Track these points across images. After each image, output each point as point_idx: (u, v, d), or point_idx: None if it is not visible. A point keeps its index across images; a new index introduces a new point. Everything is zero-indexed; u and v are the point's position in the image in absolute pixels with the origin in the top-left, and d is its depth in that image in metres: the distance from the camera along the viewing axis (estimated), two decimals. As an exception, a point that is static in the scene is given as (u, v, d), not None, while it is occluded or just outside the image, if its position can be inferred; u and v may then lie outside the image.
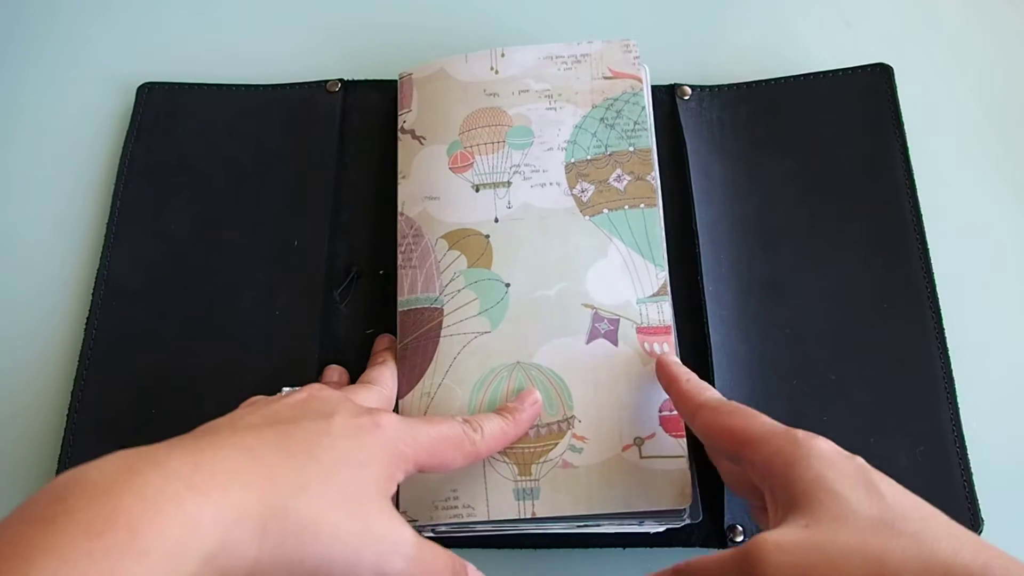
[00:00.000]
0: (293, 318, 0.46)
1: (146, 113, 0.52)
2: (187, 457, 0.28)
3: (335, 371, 0.45)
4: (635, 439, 0.40)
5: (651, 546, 0.42)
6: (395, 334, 0.45)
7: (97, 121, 0.54)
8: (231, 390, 0.44)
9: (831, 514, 0.29)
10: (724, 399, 0.37)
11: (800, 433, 0.33)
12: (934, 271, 0.46)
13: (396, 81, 0.51)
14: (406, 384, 0.43)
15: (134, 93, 0.53)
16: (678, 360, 0.41)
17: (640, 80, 0.48)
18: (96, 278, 0.48)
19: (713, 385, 0.43)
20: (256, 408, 0.34)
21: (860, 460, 0.31)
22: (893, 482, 0.30)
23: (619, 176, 0.45)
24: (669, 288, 0.44)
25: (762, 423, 0.34)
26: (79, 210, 0.51)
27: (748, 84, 0.52)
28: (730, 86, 0.52)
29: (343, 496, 0.30)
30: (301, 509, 0.29)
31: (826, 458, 0.31)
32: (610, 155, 0.46)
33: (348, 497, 0.30)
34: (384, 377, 0.42)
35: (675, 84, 0.52)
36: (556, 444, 0.41)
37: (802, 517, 0.29)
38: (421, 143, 0.48)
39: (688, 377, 0.39)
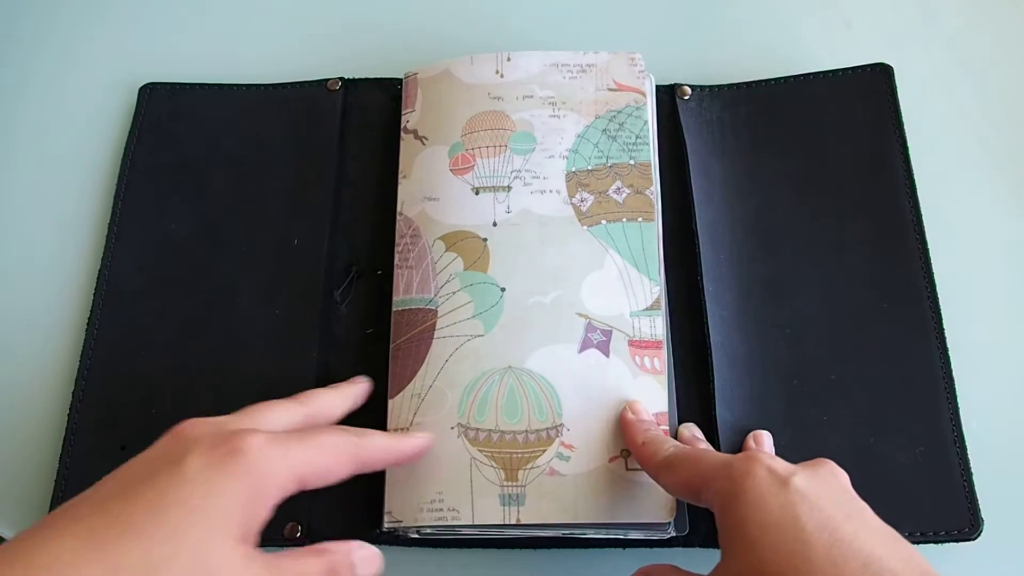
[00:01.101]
0: (293, 318, 0.46)
1: (148, 114, 0.52)
2: (19, 561, 0.26)
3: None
4: (622, 451, 0.40)
5: (652, 547, 0.42)
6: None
7: (99, 122, 0.54)
8: (231, 390, 0.45)
9: (744, 568, 0.30)
10: (674, 449, 0.37)
11: (737, 465, 0.33)
12: (934, 271, 0.46)
13: (397, 79, 0.51)
14: (396, 385, 0.43)
15: (136, 94, 0.53)
16: (636, 416, 0.40)
17: (644, 94, 0.48)
18: (97, 278, 0.48)
19: (712, 385, 0.43)
20: (127, 466, 0.32)
21: (793, 486, 0.31)
22: (824, 505, 0.31)
23: (619, 188, 0.45)
24: (664, 303, 0.44)
25: (705, 465, 0.34)
26: (80, 211, 0.51)
27: (748, 84, 0.52)
28: (730, 86, 0.52)
29: (195, 568, 0.28)
30: None
31: (752, 496, 0.31)
32: (611, 167, 0.46)
33: (200, 567, 0.29)
34: (316, 396, 0.39)
35: (675, 84, 0.52)
36: (544, 451, 0.40)
37: (723, 570, 0.31)
38: (423, 143, 0.48)
39: (644, 439, 0.39)
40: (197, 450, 0.31)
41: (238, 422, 0.34)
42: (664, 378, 0.42)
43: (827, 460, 0.34)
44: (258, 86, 0.53)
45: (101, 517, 0.29)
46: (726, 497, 0.32)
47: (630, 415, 0.40)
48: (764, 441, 0.42)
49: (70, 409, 0.45)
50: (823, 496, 0.31)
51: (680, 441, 0.42)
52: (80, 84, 0.56)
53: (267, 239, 0.48)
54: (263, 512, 0.32)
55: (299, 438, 0.34)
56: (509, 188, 0.46)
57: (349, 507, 0.43)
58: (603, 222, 0.45)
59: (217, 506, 0.30)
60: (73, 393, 0.45)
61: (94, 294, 0.48)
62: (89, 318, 0.47)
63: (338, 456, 0.35)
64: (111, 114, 0.54)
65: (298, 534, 0.42)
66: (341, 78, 0.52)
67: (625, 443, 0.40)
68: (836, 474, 0.33)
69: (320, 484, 0.34)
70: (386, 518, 0.40)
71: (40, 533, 0.28)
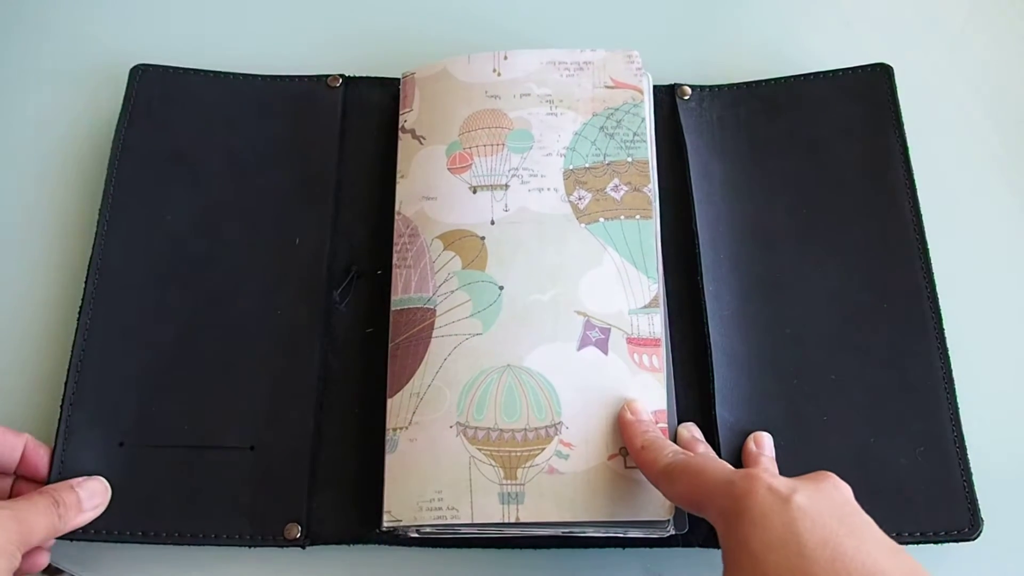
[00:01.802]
0: (293, 318, 0.46)
1: (139, 96, 0.51)
2: None
3: None
4: (620, 449, 0.40)
5: (651, 546, 0.42)
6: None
7: (89, 102, 0.53)
8: (230, 389, 0.45)
9: None
10: (673, 457, 0.37)
11: (738, 484, 0.33)
12: (934, 271, 0.46)
13: (397, 79, 0.51)
14: (395, 384, 0.43)
15: (127, 75, 0.52)
16: (635, 417, 0.40)
17: (641, 92, 0.48)
18: (88, 267, 0.47)
19: (712, 384, 0.43)
20: None
21: (795, 504, 0.31)
22: (825, 521, 0.31)
23: (616, 186, 0.45)
24: (662, 301, 0.44)
25: (706, 481, 0.35)
26: (70, 196, 0.51)
27: (748, 84, 0.52)
28: (730, 86, 0.52)
29: None
30: None
31: (755, 515, 0.31)
32: (608, 164, 0.46)
33: None
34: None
35: (675, 84, 0.51)
36: (543, 449, 0.40)
37: None
38: (421, 143, 0.48)
39: (643, 443, 0.38)
40: None
41: None
42: (663, 376, 0.42)
43: (829, 474, 0.34)
44: (256, 76, 0.52)
45: None
46: (728, 516, 0.32)
47: (629, 416, 0.40)
48: (764, 443, 0.42)
49: (63, 401, 0.44)
50: (825, 511, 0.31)
51: (680, 442, 0.42)
52: (70, 61, 0.55)
53: (267, 237, 0.48)
54: None
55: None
56: (507, 186, 0.46)
57: (348, 507, 0.42)
58: (601, 220, 0.45)
59: None
60: (66, 384, 0.44)
61: (85, 283, 0.46)
62: (80, 308, 0.46)
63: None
64: (101, 94, 0.53)
65: (297, 534, 0.41)
66: (342, 75, 0.52)
67: (624, 444, 0.40)
68: (839, 488, 0.33)
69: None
70: (385, 517, 0.40)
71: None
